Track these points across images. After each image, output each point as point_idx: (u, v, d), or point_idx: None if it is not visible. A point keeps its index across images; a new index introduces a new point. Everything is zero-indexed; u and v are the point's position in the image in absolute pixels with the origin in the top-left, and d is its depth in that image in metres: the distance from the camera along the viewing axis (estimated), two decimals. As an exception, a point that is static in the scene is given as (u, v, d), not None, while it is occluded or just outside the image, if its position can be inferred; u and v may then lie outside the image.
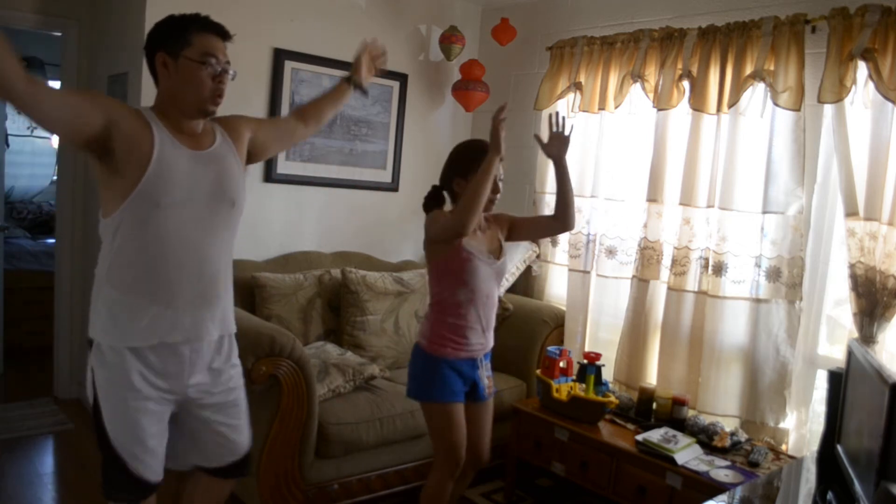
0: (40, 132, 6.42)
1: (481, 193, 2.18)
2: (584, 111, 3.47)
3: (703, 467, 2.51)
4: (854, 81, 2.52)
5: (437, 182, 2.50)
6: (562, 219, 2.47)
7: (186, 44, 1.72)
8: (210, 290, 1.83)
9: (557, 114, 2.47)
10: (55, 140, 6.03)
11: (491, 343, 2.46)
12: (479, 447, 2.50)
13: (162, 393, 1.78)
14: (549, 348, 3.09)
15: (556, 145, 2.42)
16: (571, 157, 3.53)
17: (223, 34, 1.79)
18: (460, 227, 2.19)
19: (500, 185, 2.36)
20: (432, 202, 2.43)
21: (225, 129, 1.91)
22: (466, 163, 2.33)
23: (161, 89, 1.79)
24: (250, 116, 2.05)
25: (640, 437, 2.70)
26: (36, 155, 6.46)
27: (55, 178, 5.55)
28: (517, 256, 3.70)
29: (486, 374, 2.44)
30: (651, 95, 3.17)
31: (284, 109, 3.47)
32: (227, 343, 1.92)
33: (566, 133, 2.42)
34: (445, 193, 2.45)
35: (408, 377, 2.44)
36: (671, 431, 2.73)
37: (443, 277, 2.35)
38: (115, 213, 1.70)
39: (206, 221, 1.80)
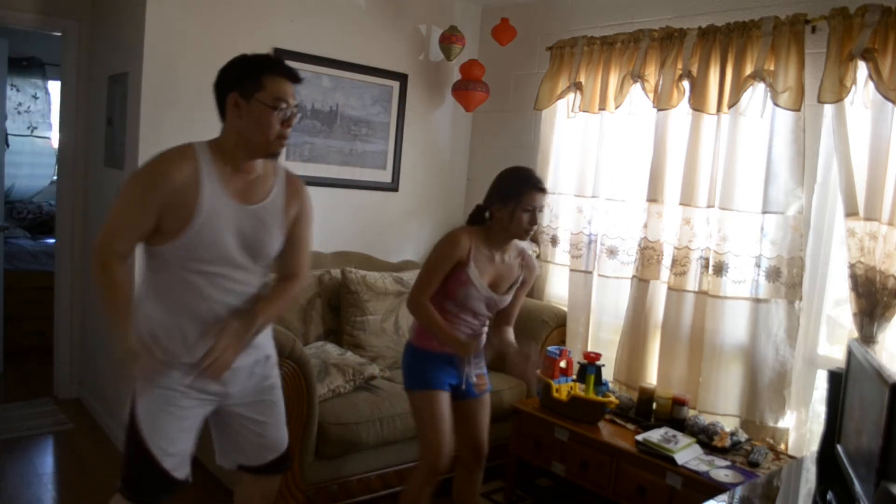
0: (40, 132, 6.43)
1: (430, 326, 2.35)
2: (584, 111, 3.47)
3: (703, 467, 2.51)
4: (854, 81, 2.52)
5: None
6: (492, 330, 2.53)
7: (259, 87, 1.75)
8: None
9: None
10: (55, 140, 6.04)
11: (481, 344, 2.49)
12: (478, 441, 2.53)
13: (199, 393, 1.84)
14: (549, 348, 3.09)
15: (521, 364, 2.44)
16: (572, 158, 3.58)
17: (294, 78, 1.83)
18: (409, 304, 2.39)
19: (539, 216, 2.39)
20: (473, 219, 2.48)
21: (288, 188, 1.92)
22: (506, 191, 2.36)
23: (228, 127, 1.81)
24: (309, 207, 2.01)
25: (640, 437, 2.70)
26: (36, 155, 6.45)
27: (55, 178, 5.56)
28: (517, 256, 3.71)
29: (476, 371, 2.47)
30: (651, 95, 3.17)
31: (284, 109, 3.47)
32: (263, 358, 2.00)
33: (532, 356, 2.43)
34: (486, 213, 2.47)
35: (402, 369, 2.53)
36: (671, 431, 2.73)
37: (440, 288, 2.39)
38: (156, 247, 1.79)
39: (236, 274, 1.85)
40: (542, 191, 2.37)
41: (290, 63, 3.38)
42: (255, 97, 1.75)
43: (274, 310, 1.94)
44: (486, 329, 2.51)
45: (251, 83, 1.75)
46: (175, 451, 1.82)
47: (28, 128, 6.34)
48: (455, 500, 2.62)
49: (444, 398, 2.40)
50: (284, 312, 1.96)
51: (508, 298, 2.46)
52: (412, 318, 2.46)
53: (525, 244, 2.46)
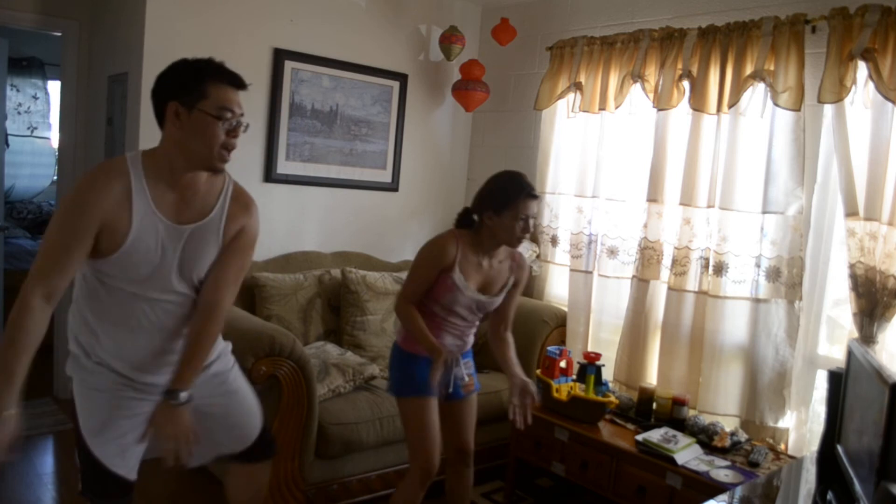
0: (40, 132, 6.43)
1: (413, 332, 2.33)
2: (584, 111, 3.47)
3: (703, 467, 2.51)
4: (854, 81, 2.52)
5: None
6: (490, 334, 2.54)
7: (202, 95, 1.63)
8: (166, 357, 1.80)
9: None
10: (55, 140, 6.05)
11: (469, 345, 2.50)
12: (462, 441, 2.52)
13: (141, 390, 1.77)
14: (550, 348, 3.09)
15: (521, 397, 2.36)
16: (572, 158, 3.58)
17: (240, 84, 1.71)
18: (395, 308, 2.39)
19: (532, 223, 2.34)
20: (461, 222, 2.43)
21: (232, 204, 1.79)
22: (500, 200, 2.30)
23: (167, 137, 1.68)
24: (252, 230, 1.85)
25: (640, 437, 2.70)
26: (36, 155, 6.46)
27: (55, 178, 5.55)
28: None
29: (465, 372, 2.46)
30: (651, 95, 3.17)
31: (284, 109, 3.47)
32: (222, 370, 1.94)
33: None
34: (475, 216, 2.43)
35: (389, 372, 2.51)
36: (671, 431, 2.73)
37: (428, 292, 2.37)
38: (87, 260, 1.69)
39: (167, 295, 1.75)
40: (536, 198, 2.33)
41: (291, 63, 3.44)
42: (198, 106, 1.63)
43: (199, 361, 1.80)
44: (474, 330, 2.49)
45: (193, 91, 1.63)
46: (124, 458, 1.75)
47: (28, 128, 6.34)
48: (448, 501, 2.61)
49: (434, 404, 2.37)
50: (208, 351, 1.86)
51: (500, 299, 2.43)
52: (413, 314, 2.41)
53: (524, 244, 2.46)
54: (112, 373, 1.75)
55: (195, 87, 1.64)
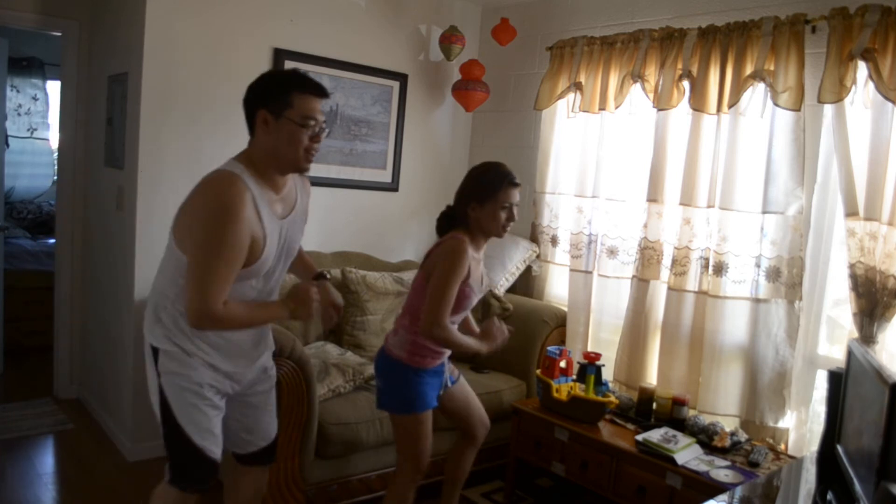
0: (40, 133, 6.42)
1: (459, 348, 2.33)
2: (584, 111, 3.47)
3: (703, 467, 2.51)
4: (854, 81, 2.52)
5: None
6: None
7: (288, 105, 1.77)
8: (259, 349, 2.03)
9: None
10: (53, 140, 6.05)
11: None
12: (483, 414, 2.63)
13: (225, 387, 1.94)
14: (549, 348, 3.09)
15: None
16: (572, 158, 3.58)
17: (323, 94, 1.84)
18: (429, 330, 2.22)
19: (516, 211, 2.36)
20: (445, 223, 2.41)
21: (303, 188, 2.03)
22: (483, 190, 2.32)
23: (258, 143, 1.84)
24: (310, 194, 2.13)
25: (640, 437, 2.70)
26: (36, 155, 6.45)
27: (55, 178, 5.52)
28: (517, 256, 3.71)
29: (448, 367, 2.54)
30: (651, 95, 3.17)
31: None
32: (268, 353, 2.12)
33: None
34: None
35: (381, 388, 2.43)
36: (671, 431, 2.73)
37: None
38: None
39: (276, 272, 1.95)
40: (518, 185, 2.35)
41: (291, 63, 3.44)
42: (285, 115, 1.77)
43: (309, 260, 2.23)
44: None
45: (281, 101, 1.77)
46: (218, 442, 1.91)
47: (28, 129, 6.34)
48: (450, 473, 2.65)
49: (431, 415, 2.40)
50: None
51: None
52: (398, 333, 2.38)
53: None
54: (213, 371, 1.89)
55: (282, 96, 1.78)
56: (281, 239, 1.89)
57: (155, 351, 1.86)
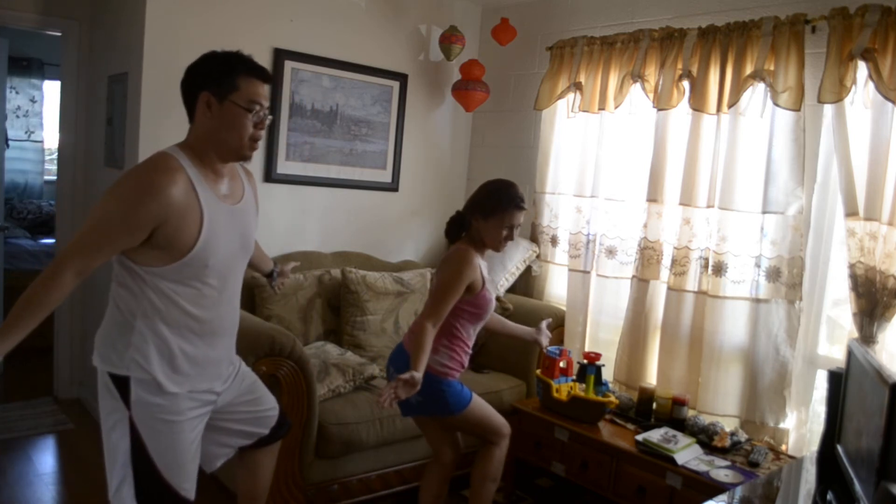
0: (36, 136, 6.42)
1: (419, 355, 2.30)
2: (584, 111, 3.47)
3: (703, 467, 2.51)
4: (854, 81, 2.52)
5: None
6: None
7: (234, 87, 1.69)
8: (233, 327, 1.93)
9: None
10: (55, 140, 6.04)
11: None
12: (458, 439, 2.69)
13: (200, 408, 1.83)
14: (550, 348, 3.08)
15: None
16: (572, 158, 3.58)
17: (268, 78, 1.77)
18: (422, 322, 2.31)
19: (516, 233, 2.47)
20: (455, 228, 2.50)
21: (249, 178, 1.95)
22: (491, 206, 2.42)
23: (198, 128, 1.74)
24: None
25: (640, 437, 2.70)
26: (25, 151, 6.44)
27: (48, 178, 5.53)
28: (517, 256, 3.70)
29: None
30: (651, 95, 3.17)
31: (284, 110, 3.47)
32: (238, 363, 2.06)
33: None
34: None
35: (430, 403, 2.44)
36: (671, 431, 2.73)
37: (462, 313, 2.43)
38: (158, 267, 1.68)
39: (235, 270, 1.86)
40: (524, 209, 2.46)
41: (291, 63, 3.44)
42: (230, 98, 1.68)
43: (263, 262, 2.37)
44: None
45: (226, 83, 1.68)
46: (192, 481, 1.83)
47: (25, 132, 6.33)
48: (428, 500, 2.61)
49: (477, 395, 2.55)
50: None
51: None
52: (438, 351, 2.42)
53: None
54: (189, 394, 1.77)
55: (227, 79, 1.69)
56: (234, 227, 1.78)
57: (119, 380, 1.70)
